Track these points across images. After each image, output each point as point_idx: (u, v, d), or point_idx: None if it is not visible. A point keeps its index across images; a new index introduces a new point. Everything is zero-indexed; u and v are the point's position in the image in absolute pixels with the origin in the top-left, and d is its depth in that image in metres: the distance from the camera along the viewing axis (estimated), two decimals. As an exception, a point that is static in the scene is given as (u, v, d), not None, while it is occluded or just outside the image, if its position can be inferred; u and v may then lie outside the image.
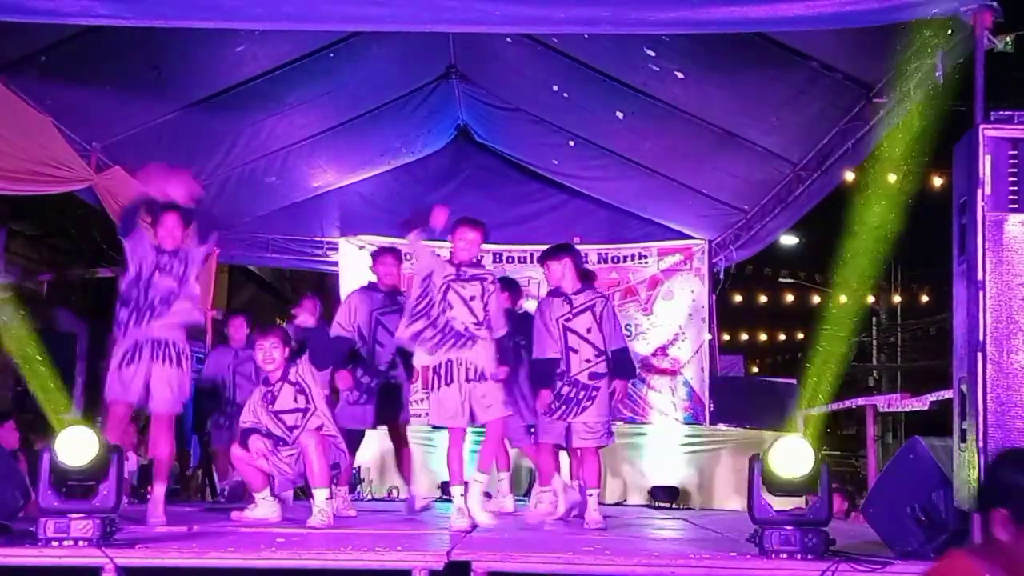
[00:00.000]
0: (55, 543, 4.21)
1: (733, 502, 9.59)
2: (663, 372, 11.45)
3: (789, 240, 17.98)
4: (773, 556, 4.29)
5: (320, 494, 5.80)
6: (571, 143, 10.46)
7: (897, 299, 22.24)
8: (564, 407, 6.23)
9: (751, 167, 9.46)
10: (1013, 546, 2.36)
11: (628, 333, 10.89)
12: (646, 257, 11.64)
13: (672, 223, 11.52)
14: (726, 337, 18.38)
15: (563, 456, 6.88)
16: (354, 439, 6.90)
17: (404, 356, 6.84)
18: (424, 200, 9.00)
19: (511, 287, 7.17)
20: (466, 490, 5.84)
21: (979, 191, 4.24)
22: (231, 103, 8.40)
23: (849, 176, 8.09)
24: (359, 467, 9.41)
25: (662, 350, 11.47)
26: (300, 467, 6.01)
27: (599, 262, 11.28)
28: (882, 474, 5.23)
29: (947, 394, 6.53)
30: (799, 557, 4.28)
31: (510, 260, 11.30)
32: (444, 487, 8.45)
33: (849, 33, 6.04)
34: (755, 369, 23.30)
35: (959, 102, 5.05)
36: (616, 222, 11.63)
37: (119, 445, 4.64)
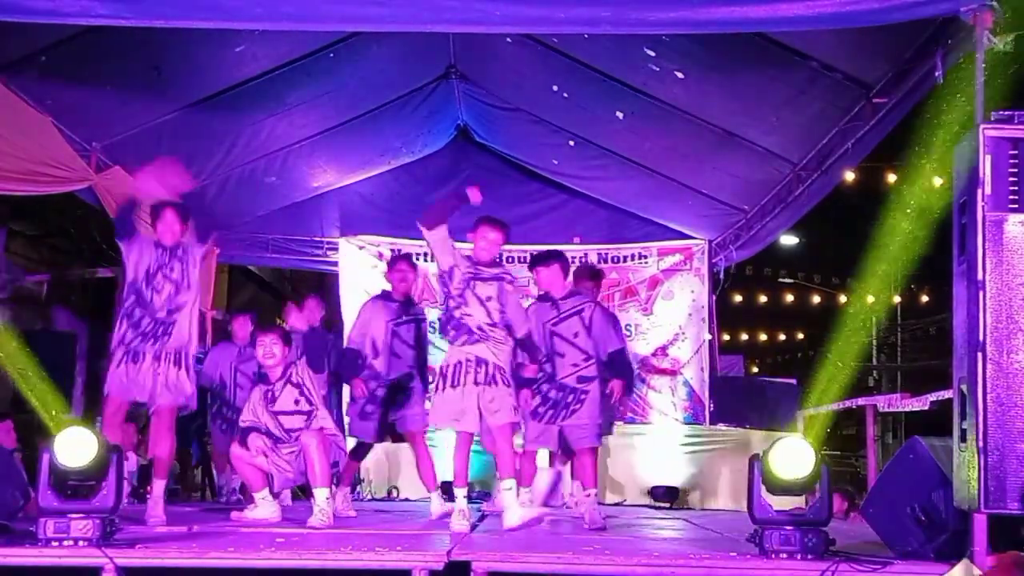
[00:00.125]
0: (55, 543, 4.21)
1: (733, 502, 9.59)
2: (663, 372, 11.45)
3: (789, 240, 18.02)
4: (773, 556, 4.30)
5: (320, 494, 5.81)
6: (571, 143, 10.45)
7: (897, 299, 22.22)
8: (552, 411, 6.30)
9: (751, 167, 9.45)
10: None
11: (628, 333, 10.91)
12: (646, 257, 11.64)
13: (672, 223, 11.52)
14: (726, 337, 18.35)
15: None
16: (364, 448, 7.00)
17: (420, 367, 6.88)
18: (424, 200, 8.99)
19: None
20: (472, 495, 5.84)
21: (979, 191, 4.24)
22: (231, 103, 8.40)
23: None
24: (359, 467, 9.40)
25: (662, 350, 11.47)
26: (300, 465, 6.04)
27: (599, 262, 11.22)
28: (882, 474, 5.22)
29: (947, 394, 6.54)
30: (799, 557, 4.28)
31: (510, 260, 11.24)
32: (445, 487, 8.45)
33: (849, 33, 6.04)
34: (755, 369, 23.29)
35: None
36: (616, 222, 11.62)
37: (119, 445, 4.64)
